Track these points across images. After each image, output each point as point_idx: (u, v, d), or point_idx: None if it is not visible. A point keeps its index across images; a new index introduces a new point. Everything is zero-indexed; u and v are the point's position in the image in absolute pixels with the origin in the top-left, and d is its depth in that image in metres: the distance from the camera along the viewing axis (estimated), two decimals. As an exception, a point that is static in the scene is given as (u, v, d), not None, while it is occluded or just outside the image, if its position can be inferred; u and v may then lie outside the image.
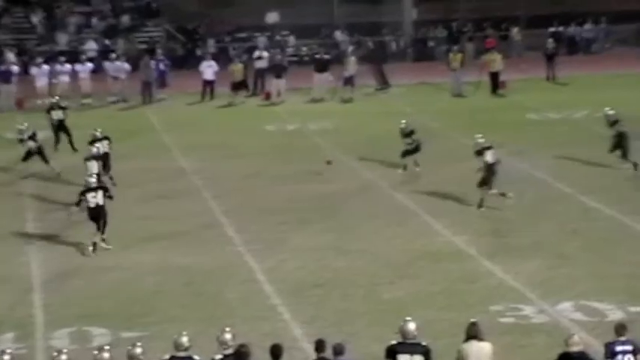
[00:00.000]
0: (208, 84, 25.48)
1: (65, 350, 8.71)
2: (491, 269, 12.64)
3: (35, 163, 17.85)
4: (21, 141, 17.71)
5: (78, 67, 25.51)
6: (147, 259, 13.35)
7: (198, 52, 30.22)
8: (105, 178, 15.65)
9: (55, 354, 8.60)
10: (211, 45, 30.86)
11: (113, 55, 26.35)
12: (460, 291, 11.89)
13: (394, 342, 8.59)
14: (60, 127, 19.48)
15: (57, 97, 20.61)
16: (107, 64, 25.93)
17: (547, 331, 10.54)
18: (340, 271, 12.72)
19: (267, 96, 25.54)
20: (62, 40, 30.51)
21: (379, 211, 15.26)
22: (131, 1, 32.84)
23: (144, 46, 30.10)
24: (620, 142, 16.81)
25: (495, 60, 25.44)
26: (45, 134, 18.92)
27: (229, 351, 8.54)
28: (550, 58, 27.01)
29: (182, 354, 8.61)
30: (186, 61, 30.00)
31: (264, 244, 13.82)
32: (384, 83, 26.67)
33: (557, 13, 31.93)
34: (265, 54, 26.58)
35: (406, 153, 17.24)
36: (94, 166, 15.48)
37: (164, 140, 21.04)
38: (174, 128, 22.19)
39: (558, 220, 14.60)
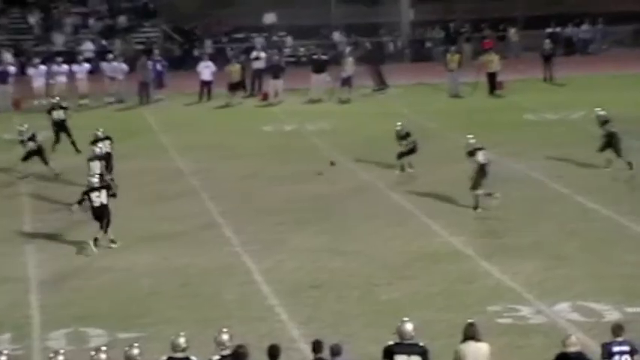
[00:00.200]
0: (206, 84, 25.48)
1: (62, 351, 8.68)
2: (489, 270, 12.64)
3: (34, 165, 17.84)
4: (21, 142, 17.75)
5: (75, 67, 25.50)
6: (144, 260, 13.34)
7: (196, 53, 30.22)
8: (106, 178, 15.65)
9: (52, 355, 8.58)
10: (209, 46, 30.86)
11: (110, 56, 26.34)
12: (457, 292, 11.89)
13: (391, 342, 8.59)
14: (61, 128, 19.46)
15: (57, 98, 20.57)
16: (104, 65, 25.91)
17: (544, 332, 10.55)
18: (338, 271, 12.71)
19: (265, 97, 25.53)
20: (59, 40, 30.49)
21: (376, 212, 15.25)
22: (128, 1, 32.83)
23: (141, 47, 30.09)
24: (610, 142, 16.82)
25: (493, 61, 25.46)
26: (44, 135, 18.88)
27: (227, 352, 8.54)
28: (547, 58, 27.04)
29: (179, 355, 8.60)
30: (184, 62, 29.99)
31: (261, 244, 13.82)
32: (381, 84, 26.68)
33: (554, 14, 31.96)
34: (263, 55, 26.58)
35: (402, 155, 17.25)
36: (97, 166, 15.49)
37: (161, 141, 21.03)
38: (171, 129, 22.18)
39: (556, 220, 14.61)
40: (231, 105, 24.90)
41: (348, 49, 27.63)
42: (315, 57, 27.06)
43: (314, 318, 11.14)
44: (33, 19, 31.40)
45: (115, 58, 26.04)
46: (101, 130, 17.00)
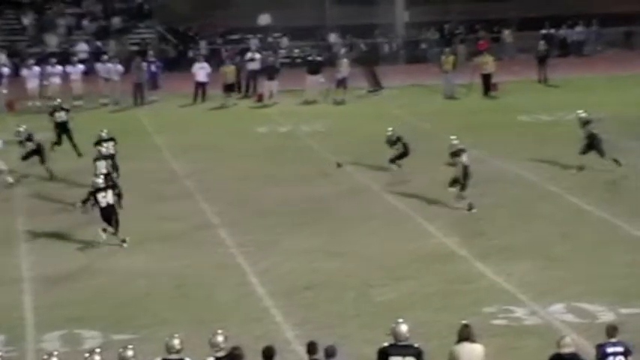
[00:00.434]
0: (201, 86, 25.47)
1: (56, 353, 8.66)
2: (483, 271, 12.65)
3: (29, 167, 17.79)
4: (20, 142, 17.76)
5: (69, 68, 25.46)
6: (138, 262, 13.32)
7: (190, 54, 30.20)
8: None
9: (46, 357, 8.56)
10: (203, 47, 30.84)
11: (105, 57, 26.30)
12: (452, 293, 11.89)
13: (386, 344, 8.58)
14: (63, 130, 19.42)
15: (59, 100, 20.52)
16: (99, 66, 25.88)
17: (539, 333, 10.55)
18: (333, 273, 12.71)
19: (260, 98, 25.53)
20: (52, 41, 30.43)
21: (372, 213, 15.26)
22: (123, 2, 32.79)
23: (135, 48, 30.05)
24: (592, 144, 16.83)
25: (487, 62, 25.51)
26: (42, 135, 18.79)
27: (221, 353, 8.53)
28: (542, 60, 27.10)
29: (174, 356, 8.59)
30: (178, 63, 29.97)
31: (256, 246, 13.81)
32: (376, 85, 26.70)
33: (548, 16, 32.02)
34: (257, 56, 26.58)
35: (394, 159, 17.25)
36: (103, 166, 15.49)
37: (156, 142, 21.00)
38: (166, 130, 22.16)
39: (549, 221, 14.63)
40: (226, 106, 24.88)
41: (342, 51, 27.65)
42: (309, 58, 27.07)
43: (309, 319, 11.13)
44: (27, 20, 31.34)
45: (109, 59, 26.00)
46: (105, 131, 17.01)
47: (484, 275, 12.52)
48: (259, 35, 31.55)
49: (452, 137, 15.56)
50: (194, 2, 32.78)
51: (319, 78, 25.37)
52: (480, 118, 22.47)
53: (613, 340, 8.60)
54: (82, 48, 30.07)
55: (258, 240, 14.06)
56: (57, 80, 25.00)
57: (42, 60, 26.63)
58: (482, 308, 11.27)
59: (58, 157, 18.77)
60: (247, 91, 26.22)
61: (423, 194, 16.05)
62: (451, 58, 25.76)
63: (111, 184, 14.22)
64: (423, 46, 32.41)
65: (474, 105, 24.24)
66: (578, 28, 32.54)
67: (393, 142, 17.20)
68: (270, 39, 31.54)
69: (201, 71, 25.47)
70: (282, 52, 30.88)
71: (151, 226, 14.75)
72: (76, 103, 24.78)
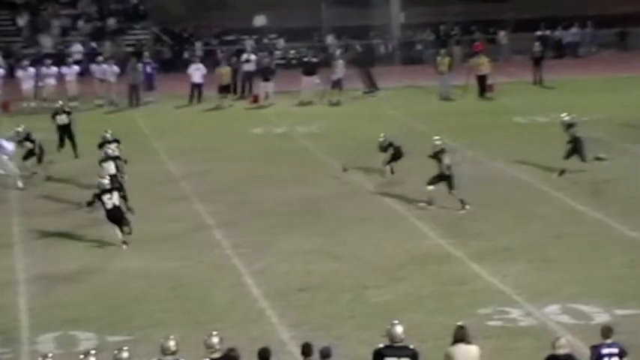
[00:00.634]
0: (196, 87, 25.45)
1: (51, 355, 8.66)
2: (479, 272, 12.66)
3: (29, 167, 17.77)
4: (19, 142, 17.75)
5: (64, 69, 25.41)
6: (133, 263, 13.30)
7: (186, 55, 30.18)
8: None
9: (41, 359, 8.55)
10: (199, 48, 30.82)
11: (100, 58, 26.27)
12: (448, 294, 11.90)
13: (381, 345, 8.58)
14: (65, 132, 19.37)
15: (61, 102, 20.47)
16: (94, 67, 25.84)
17: (534, 334, 10.57)
18: (328, 274, 12.71)
19: (255, 99, 25.52)
20: (47, 42, 30.38)
21: (367, 215, 15.26)
22: (118, 3, 32.75)
23: (131, 49, 30.02)
24: (575, 147, 16.81)
25: (483, 63, 25.53)
26: (38, 136, 18.75)
27: (216, 355, 8.52)
28: (537, 61, 27.13)
29: (169, 358, 8.57)
30: (174, 64, 29.95)
31: (252, 247, 13.80)
32: (372, 86, 26.70)
33: (544, 17, 32.06)
34: (253, 57, 26.58)
35: (387, 162, 17.25)
36: (112, 167, 15.47)
37: (152, 143, 20.98)
38: (161, 131, 22.14)
39: (545, 222, 14.65)
40: (221, 107, 24.87)
41: (338, 52, 27.65)
42: (305, 59, 27.05)
43: (304, 321, 11.13)
44: (22, 21, 31.28)
45: (104, 61, 25.97)
46: (110, 132, 16.99)
47: (479, 276, 12.52)
48: (255, 36, 31.54)
49: (435, 138, 15.59)
50: (189, 3, 32.76)
51: (315, 79, 25.37)
52: (476, 119, 22.49)
53: (608, 341, 8.62)
54: (77, 49, 30.02)
55: (254, 241, 14.06)
56: (52, 81, 24.96)
57: (37, 61, 26.57)
58: (478, 309, 11.27)
59: (56, 158, 18.73)
60: (243, 92, 26.21)
61: (418, 195, 16.04)
62: (447, 59, 25.78)
63: (117, 185, 14.20)
64: (419, 47, 32.42)
65: (469, 106, 24.26)
66: (574, 30, 32.60)
67: (384, 147, 17.23)
68: (265, 40, 31.53)
69: (196, 72, 25.46)
70: (278, 53, 30.87)
71: (147, 227, 14.72)
72: (71, 104, 24.67)
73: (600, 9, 32.24)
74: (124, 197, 14.00)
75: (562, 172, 16.88)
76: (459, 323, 8.85)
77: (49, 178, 17.62)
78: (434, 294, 11.91)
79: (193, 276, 12.77)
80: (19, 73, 25.29)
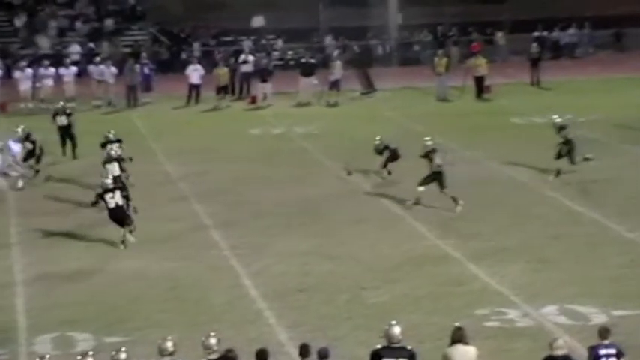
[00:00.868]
0: (194, 88, 25.45)
1: (48, 356, 8.67)
2: (476, 273, 12.67)
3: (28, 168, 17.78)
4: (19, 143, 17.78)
5: (62, 70, 25.40)
6: (131, 264, 13.30)
7: (184, 56, 30.17)
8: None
9: (38, 359, 8.54)
10: (197, 49, 30.82)
11: (98, 59, 26.26)
12: (445, 295, 11.91)
13: (379, 346, 8.59)
14: (65, 133, 19.35)
15: (62, 103, 20.43)
16: (92, 68, 25.84)
17: (532, 335, 10.58)
18: (325, 275, 12.71)
19: (253, 100, 25.53)
20: (44, 43, 30.36)
21: (364, 216, 15.27)
22: (115, 4, 32.74)
23: (128, 50, 30.01)
24: (566, 149, 16.83)
25: (480, 64, 25.55)
26: (38, 137, 18.73)
27: (214, 356, 8.52)
28: (534, 62, 27.16)
29: (167, 359, 8.58)
30: (172, 65, 29.94)
31: (249, 248, 13.80)
32: (369, 87, 26.72)
33: (541, 18, 32.09)
34: (251, 58, 26.59)
35: (385, 164, 17.25)
36: (116, 168, 15.45)
37: (149, 144, 20.97)
38: (159, 132, 22.14)
39: (542, 223, 14.66)
40: (219, 108, 24.87)
41: (336, 53, 27.66)
42: (303, 60, 27.05)
43: (302, 321, 11.13)
44: (19, 21, 31.26)
45: (102, 61, 25.97)
46: (112, 132, 16.98)
47: (477, 277, 12.54)
48: (253, 37, 31.54)
49: (425, 138, 15.62)
50: (187, 4, 32.76)
51: (312, 80, 25.38)
52: (473, 120, 22.51)
53: (606, 341, 8.63)
54: (75, 50, 30.01)
55: (252, 242, 14.06)
56: (49, 82, 24.95)
57: (34, 62, 26.56)
58: (475, 310, 11.28)
59: (57, 158, 18.71)
60: (241, 93, 26.21)
61: (415, 196, 16.06)
62: (444, 60, 25.80)
63: (119, 185, 14.21)
64: (416, 48, 32.44)
65: (466, 107, 24.28)
66: (571, 31, 32.63)
67: (380, 150, 17.24)
68: (263, 41, 31.53)
69: (194, 73, 25.45)
70: (276, 54, 30.87)
71: (145, 228, 14.71)
72: (69, 105, 24.71)
73: (597, 10, 32.28)
74: (127, 197, 13.98)
75: (558, 172, 16.90)
76: (457, 324, 8.87)
77: (48, 179, 17.62)
78: (431, 295, 11.92)
79: (191, 277, 12.77)
80: (17, 73, 25.28)
